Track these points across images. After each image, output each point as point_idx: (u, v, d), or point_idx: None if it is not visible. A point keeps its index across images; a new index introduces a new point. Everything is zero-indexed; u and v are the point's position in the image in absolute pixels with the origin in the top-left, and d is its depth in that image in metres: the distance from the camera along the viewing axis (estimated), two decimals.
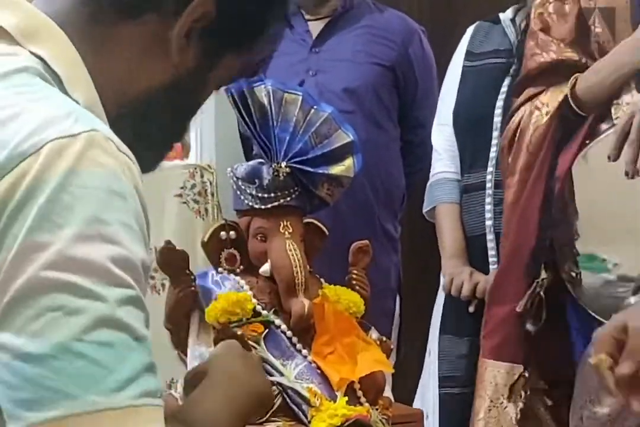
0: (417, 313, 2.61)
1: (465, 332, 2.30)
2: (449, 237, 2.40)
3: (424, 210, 2.52)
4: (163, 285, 2.41)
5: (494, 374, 1.99)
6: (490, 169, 2.30)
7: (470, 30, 2.48)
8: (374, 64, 2.67)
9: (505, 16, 2.42)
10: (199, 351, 1.69)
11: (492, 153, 2.29)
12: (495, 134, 2.30)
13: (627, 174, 1.77)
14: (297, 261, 1.68)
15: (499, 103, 2.30)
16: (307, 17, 2.72)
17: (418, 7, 3.25)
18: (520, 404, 1.95)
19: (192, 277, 1.72)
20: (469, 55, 2.42)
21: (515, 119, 2.04)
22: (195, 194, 2.46)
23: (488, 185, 2.30)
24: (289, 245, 1.69)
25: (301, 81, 2.60)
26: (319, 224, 1.80)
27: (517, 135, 2.02)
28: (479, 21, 2.50)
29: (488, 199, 2.31)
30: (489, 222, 2.31)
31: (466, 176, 2.38)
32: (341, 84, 2.63)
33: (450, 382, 2.31)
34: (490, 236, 2.32)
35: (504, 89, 2.31)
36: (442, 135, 2.46)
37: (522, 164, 2.00)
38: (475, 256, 2.38)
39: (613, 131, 1.83)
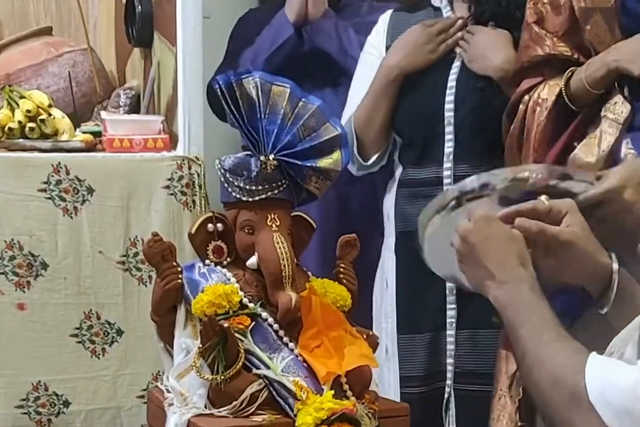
0: None
1: (423, 328, 2.27)
2: None
3: None
4: (150, 277, 2.41)
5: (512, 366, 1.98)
6: (448, 164, 2.26)
7: (386, 20, 2.40)
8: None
9: (443, 4, 2.36)
10: (185, 343, 1.68)
11: (448, 148, 2.26)
12: (449, 129, 2.26)
13: None
14: (284, 254, 1.67)
15: (449, 97, 2.26)
16: None
17: None
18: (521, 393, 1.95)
19: (179, 269, 1.71)
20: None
21: (519, 115, 2.03)
22: (182, 186, 2.46)
23: (446, 181, 2.25)
24: (276, 238, 1.69)
25: None
26: (307, 217, 1.80)
27: (525, 134, 2.01)
28: (390, 11, 2.43)
29: None
30: None
31: (413, 170, 2.32)
32: None
33: (411, 382, 2.28)
34: None
35: (451, 83, 2.27)
36: None
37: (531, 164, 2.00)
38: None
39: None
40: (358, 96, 2.38)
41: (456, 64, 2.28)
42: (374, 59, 2.37)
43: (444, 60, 2.30)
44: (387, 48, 2.36)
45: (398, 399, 2.21)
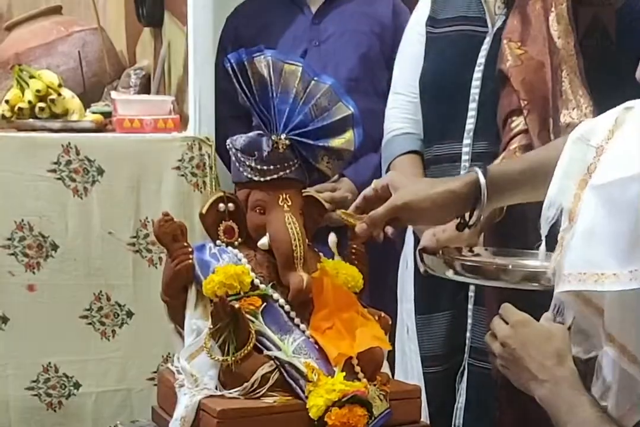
0: None
1: (441, 307, 2.26)
2: None
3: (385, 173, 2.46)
4: (160, 259, 2.40)
5: None
6: (467, 141, 2.25)
7: None
8: (374, 34, 2.69)
9: None
10: (196, 324, 1.67)
11: (469, 125, 2.24)
12: (472, 105, 2.24)
13: None
14: (295, 234, 1.66)
15: (477, 75, 2.24)
16: None
17: None
18: None
19: (190, 249, 1.70)
20: (432, 21, 2.33)
21: None
22: (193, 166, 2.44)
23: (464, 157, 2.24)
24: (287, 218, 1.67)
25: (304, 51, 2.62)
26: (319, 198, 1.79)
27: None
28: None
29: (463, 172, 2.26)
30: None
31: (436, 147, 2.31)
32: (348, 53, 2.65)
33: (432, 361, 2.28)
34: None
35: (481, 60, 2.25)
36: (396, 104, 2.41)
37: None
38: None
39: None
40: (403, 76, 2.37)
41: (487, 40, 2.26)
42: (419, 36, 2.36)
43: (474, 37, 2.27)
44: (428, 19, 2.33)
45: (421, 379, 2.21)
